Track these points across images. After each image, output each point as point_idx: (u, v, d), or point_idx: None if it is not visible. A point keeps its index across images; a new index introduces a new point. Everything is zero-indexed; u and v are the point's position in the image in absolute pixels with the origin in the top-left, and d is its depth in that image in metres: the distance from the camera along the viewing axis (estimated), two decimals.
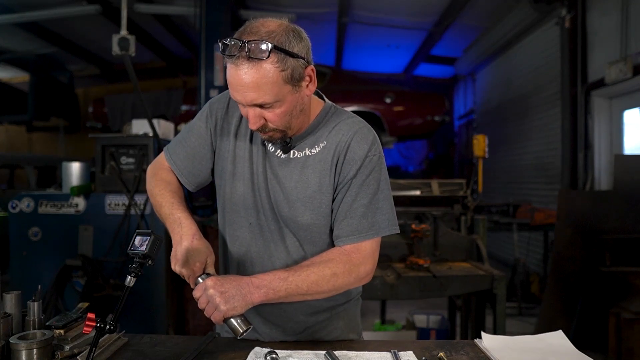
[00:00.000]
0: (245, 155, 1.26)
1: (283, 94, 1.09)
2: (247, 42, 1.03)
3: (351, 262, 1.18)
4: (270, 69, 1.04)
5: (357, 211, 1.20)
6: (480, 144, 4.31)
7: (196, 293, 1.10)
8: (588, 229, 3.80)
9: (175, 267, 1.12)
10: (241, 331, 1.09)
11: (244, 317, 1.10)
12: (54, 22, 6.75)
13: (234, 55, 1.04)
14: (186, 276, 1.13)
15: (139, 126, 3.32)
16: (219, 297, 1.07)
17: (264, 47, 1.02)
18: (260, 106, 1.10)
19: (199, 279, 1.12)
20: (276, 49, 1.04)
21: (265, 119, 1.12)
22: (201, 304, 1.09)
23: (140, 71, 6.59)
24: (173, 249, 1.15)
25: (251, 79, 1.04)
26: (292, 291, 1.12)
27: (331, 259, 1.18)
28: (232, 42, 1.04)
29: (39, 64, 8.06)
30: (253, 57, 1.03)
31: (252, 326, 1.10)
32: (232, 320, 1.09)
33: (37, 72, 8.02)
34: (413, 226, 2.98)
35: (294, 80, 1.09)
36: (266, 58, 1.03)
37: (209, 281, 1.09)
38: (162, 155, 1.38)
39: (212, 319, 1.08)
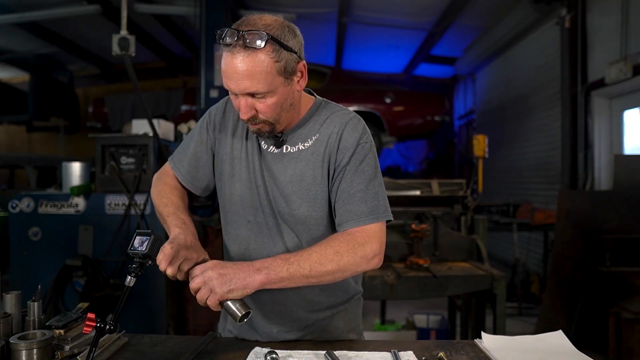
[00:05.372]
0: (242, 156, 1.28)
1: (275, 85, 1.11)
2: (245, 31, 1.06)
3: (355, 241, 1.16)
4: (265, 58, 1.07)
5: (355, 197, 1.20)
6: (480, 144, 4.32)
7: (195, 271, 1.09)
8: (588, 229, 3.80)
9: (159, 257, 1.07)
10: (240, 315, 1.06)
11: (242, 302, 1.08)
12: (54, 22, 6.74)
13: (231, 43, 1.06)
14: (161, 260, 1.07)
15: (139, 126, 3.31)
16: (217, 280, 1.06)
17: (260, 37, 1.05)
18: (252, 96, 1.12)
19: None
20: (272, 39, 1.07)
21: (256, 110, 1.14)
22: (196, 284, 1.06)
23: (140, 71, 6.59)
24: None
25: (246, 67, 1.07)
26: (294, 271, 1.10)
27: (333, 239, 1.18)
28: (230, 31, 1.07)
29: (39, 64, 8.05)
30: (249, 47, 1.05)
31: (251, 310, 1.08)
32: (230, 304, 1.07)
33: (37, 72, 8.01)
34: (413, 226, 2.98)
35: (287, 73, 1.12)
36: (262, 48, 1.06)
37: (210, 263, 1.10)
38: (167, 164, 1.42)
39: (208, 302, 1.06)
